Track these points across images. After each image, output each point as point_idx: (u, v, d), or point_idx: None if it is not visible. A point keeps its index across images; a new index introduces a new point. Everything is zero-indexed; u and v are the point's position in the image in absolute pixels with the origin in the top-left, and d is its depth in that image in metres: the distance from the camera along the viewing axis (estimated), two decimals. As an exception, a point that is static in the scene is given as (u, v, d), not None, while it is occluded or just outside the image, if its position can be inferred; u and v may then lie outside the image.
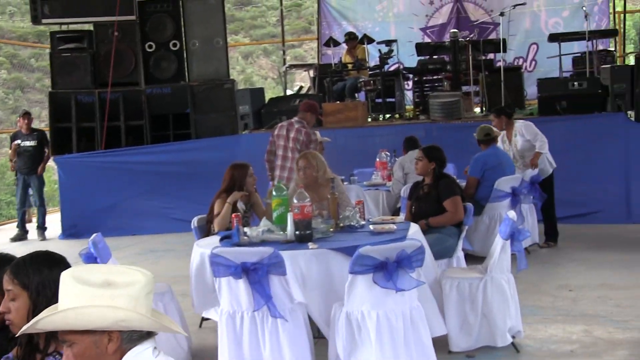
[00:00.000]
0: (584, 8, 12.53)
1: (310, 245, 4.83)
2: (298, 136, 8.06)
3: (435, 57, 12.97)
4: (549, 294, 6.60)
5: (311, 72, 14.10)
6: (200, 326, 6.03)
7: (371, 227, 5.35)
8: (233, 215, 5.50)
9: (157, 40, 11.87)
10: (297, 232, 4.99)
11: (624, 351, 5.05)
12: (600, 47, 13.29)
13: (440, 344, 4.97)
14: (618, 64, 12.91)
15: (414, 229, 5.38)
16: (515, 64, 14.43)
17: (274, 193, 5.50)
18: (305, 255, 4.72)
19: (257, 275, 4.42)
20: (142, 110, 11.77)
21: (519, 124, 8.68)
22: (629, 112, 10.64)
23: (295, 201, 5.02)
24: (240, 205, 6.00)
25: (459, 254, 6.13)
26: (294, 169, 7.19)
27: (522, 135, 8.57)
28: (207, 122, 11.78)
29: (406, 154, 8.56)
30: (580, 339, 5.32)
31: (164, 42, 11.87)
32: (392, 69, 13.74)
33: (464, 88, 12.23)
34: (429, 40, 14.72)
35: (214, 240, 5.27)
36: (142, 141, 11.74)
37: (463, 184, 7.73)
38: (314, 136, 8.22)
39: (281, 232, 5.15)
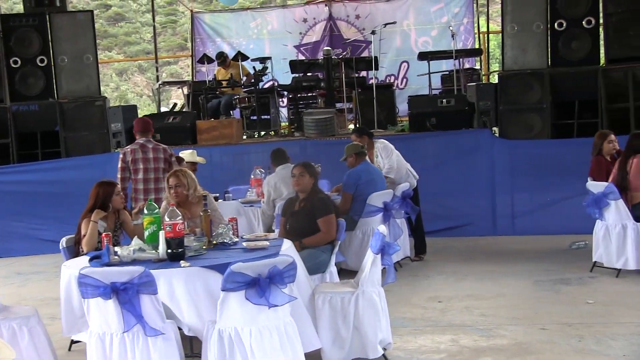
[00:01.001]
0: (450, 28, 12.99)
1: (183, 263, 4.78)
2: (158, 155, 8.03)
3: (309, 74, 13.13)
4: (419, 306, 6.78)
5: (185, 89, 13.99)
6: (69, 349, 5.85)
7: (244, 244, 5.35)
8: (103, 234, 5.38)
9: (23, 56, 11.44)
10: (169, 251, 4.93)
11: (487, 358, 5.26)
12: (467, 66, 13.81)
13: (314, 358, 5.02)
14: (484, 82, 13.43)
15: (287, 245, 5.42)
16: (387, 81, 14.80)
17: (145, 211, 5.41)
18: (177, 274, 4.67)
19: (127, 295, 4.34)
20: (8, 127, 11.31)
21: (378, 145, 8.87)
22: (494, 128, 11.11)
23: (167, 219, 4.96)
24: (101, 224, 5.85)
25: (332, 268, 6.20)
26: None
27: (382, 156, 8.78)
28: (77, 140, 11.46)
29: (275, 169, 8.45)
30: (448, 348, 5.50)
31: (30, 57, 11.44)
32: (266, 86, 13.80)
33: (338, 105, 12.44)
34: (303, 58, 14.89)
35: (84, 261, 5.13)
36: (8, 160, 11.29)
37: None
38: (170, 150, 8.20)
39: (153, 251, 5.07)
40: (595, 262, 7.81)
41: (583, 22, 10.64)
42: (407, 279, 7.96)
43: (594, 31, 10.72)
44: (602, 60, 10.88)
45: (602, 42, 10.88)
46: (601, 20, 10.81)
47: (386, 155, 8.77)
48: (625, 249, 7.48)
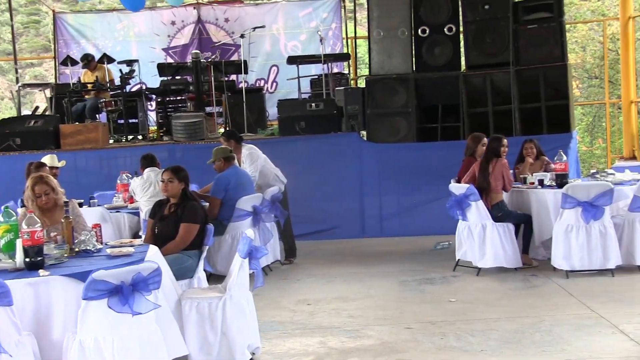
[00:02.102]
0: (319, 33, 13.14)
1: (42, 272, 4.59)
2: None
3: (178, 77, 12.94)
4: (289, 309, 6.80)
5: (47, 92, 13.50)
6: None
7: (108, 250, 5.20)
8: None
9: None
10: (27, 259, 4.72)
11: (354, 358, 5.32)
12: (336, 70, 13.99)
13: (181, 365, 4.95)
14: (352, 86, 13.64)
15: (153, 250, 5.31)
16: (257, 85, 14.79)
17: (0, 219, 5.17)
18: (35, 283, 4.47)
19: (-22, 309, 4.12)
20: None
21: (244, 150, 8.86)
22: (362, 132, 11.32)
23: (24, 227, 4.75)
24: None
25: (200, 274, 6.12)
26: None
27: (246, 163, 8.77)
28: None
29: (143, 172, 8.35)
30: (316, 351, 5.54)
31: None
32: (134, 89, 13.51)
33: (207, 109, 12.32)
34: (172, 61, 14.67)
35: None
36: None
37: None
38: None
39: (10, 260, 4.85)
40: (458, 261, 8.09)
41: (445, 29, 11.05)
42: (277, 282, 7.98)
43: (455, 38, 11.14)
44: (464, 66, 11.29)
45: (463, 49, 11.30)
46: (461, 28, 11.22)
47: (250, 162, 8.75)
48: (485, 247, 7.78)
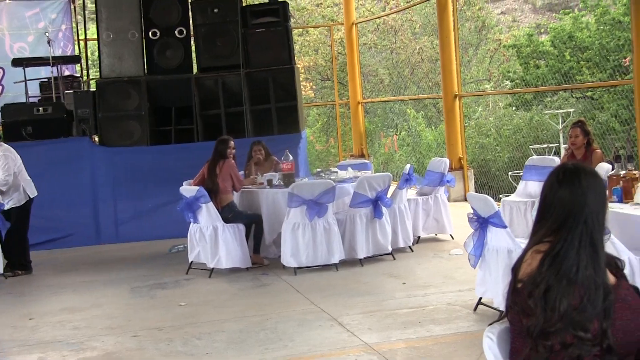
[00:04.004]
0: (47, 34, 12.56)
1: None
2: None
3: None
4: (9, 326, 6.43)
5: None
6: None
7: None
8: None
9: None
10: None
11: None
12: (67, 73, 13.44)
13: None
14: (83, 89, 13.18)
15: None
16: (-20, 88, 13.85)
17: None
18: None
19: None
20: None
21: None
22: (94, 136, 10.99)
23: None
24: None
25: None
26: None
27: None
28: None
29: None
30: (34, 368, 5.30)
31: None
32: None
33: None
34: None
35: None
36: None
37: None
38: None
39: None
40: (191, 263, 8.10)
41: (176, 32, 11.01)
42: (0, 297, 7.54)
43: (186, 41, 11.16)
44: (196, 69, 11.33)
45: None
46: (192, 31, 11.27)
47: (3, 164, 8.21)
48: (217, 249, 7.86)
